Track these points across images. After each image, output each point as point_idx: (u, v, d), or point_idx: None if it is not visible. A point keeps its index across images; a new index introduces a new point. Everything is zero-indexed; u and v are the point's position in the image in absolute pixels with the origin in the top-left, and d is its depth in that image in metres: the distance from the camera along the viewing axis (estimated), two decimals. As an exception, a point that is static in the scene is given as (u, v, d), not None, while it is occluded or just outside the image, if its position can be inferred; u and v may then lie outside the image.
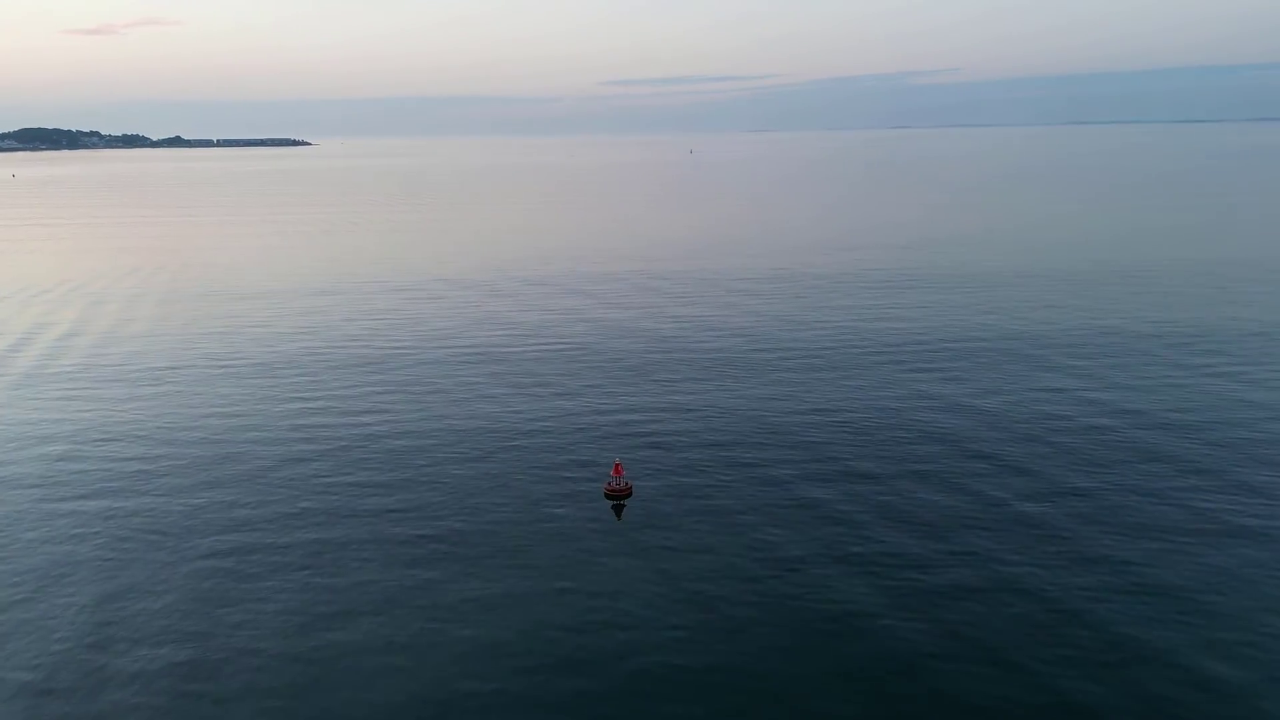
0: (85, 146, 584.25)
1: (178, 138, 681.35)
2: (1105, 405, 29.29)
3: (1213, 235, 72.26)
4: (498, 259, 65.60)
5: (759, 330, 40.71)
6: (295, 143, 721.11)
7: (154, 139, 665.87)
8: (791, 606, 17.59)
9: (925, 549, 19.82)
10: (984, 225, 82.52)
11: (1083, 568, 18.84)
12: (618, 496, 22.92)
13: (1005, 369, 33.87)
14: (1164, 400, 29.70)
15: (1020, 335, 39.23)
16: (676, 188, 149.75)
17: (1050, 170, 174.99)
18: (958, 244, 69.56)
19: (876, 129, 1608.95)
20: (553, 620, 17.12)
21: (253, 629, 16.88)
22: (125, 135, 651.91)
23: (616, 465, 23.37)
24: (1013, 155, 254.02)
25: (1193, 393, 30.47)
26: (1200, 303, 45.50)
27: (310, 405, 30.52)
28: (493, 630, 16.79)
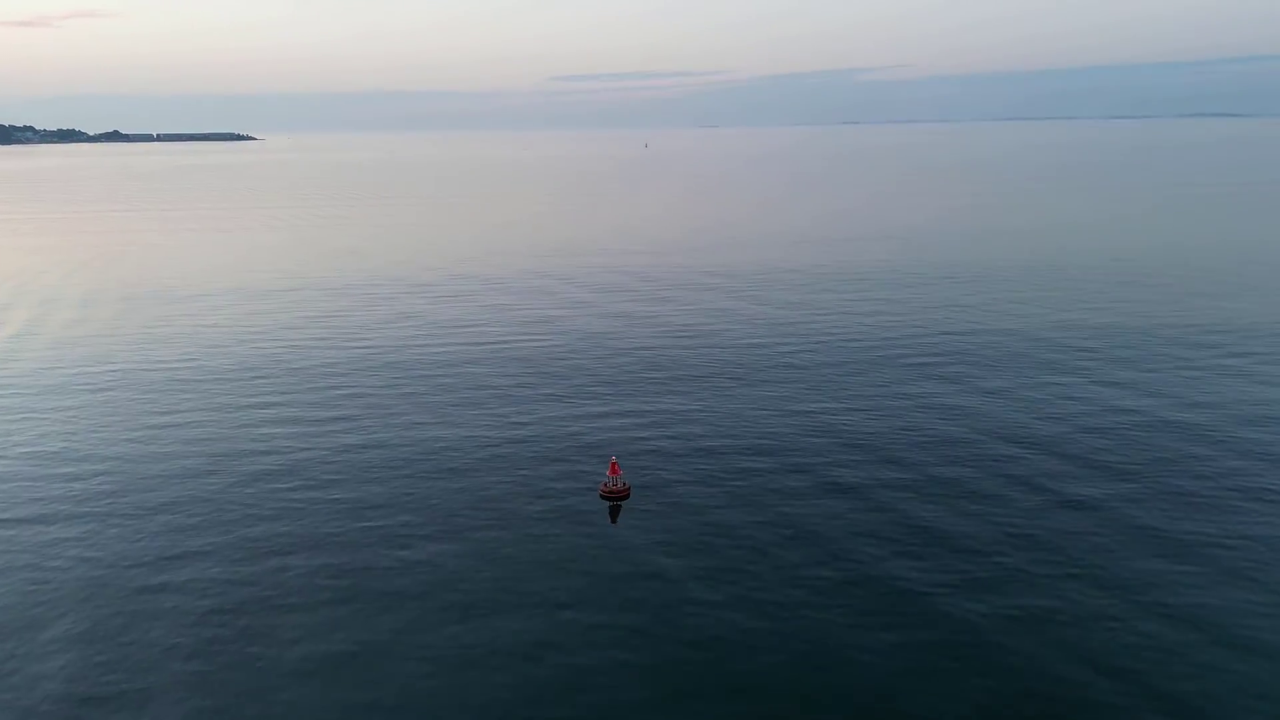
0: (19, 141, 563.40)
1: (115, 132, 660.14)
2: (1174, 399, 27.42)
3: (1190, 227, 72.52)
4: (468, 255, 62.72)
5: (763, 327, 38.25)
6: (240, 137, 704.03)
7: (91, 134, 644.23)
8: (839, 628, 15.63)
9: (975, 558, 18.13)
10: (973, 221, 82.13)
11: (1221, 583, 16.68)
12: (614, 498, 21.08)
13: (1027, 366, 32.40)
14: (1237, 395, 27.76)
15: (1034, 333, 37.93)
16: (647, 183, 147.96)
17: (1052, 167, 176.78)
18: (951, 239, 68.82)
19: (826, 125, 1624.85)
20: (560, 660, 14.83)
21: (209, 690, 14.03)
22: (61, 130, 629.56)
23: (613, 464, 21.48)
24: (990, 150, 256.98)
25: (1256, 384, 28.86)
26: (1205, 298, 44.94)
27: (269, 415, 27.58)
28: (492, 674, 14.46)
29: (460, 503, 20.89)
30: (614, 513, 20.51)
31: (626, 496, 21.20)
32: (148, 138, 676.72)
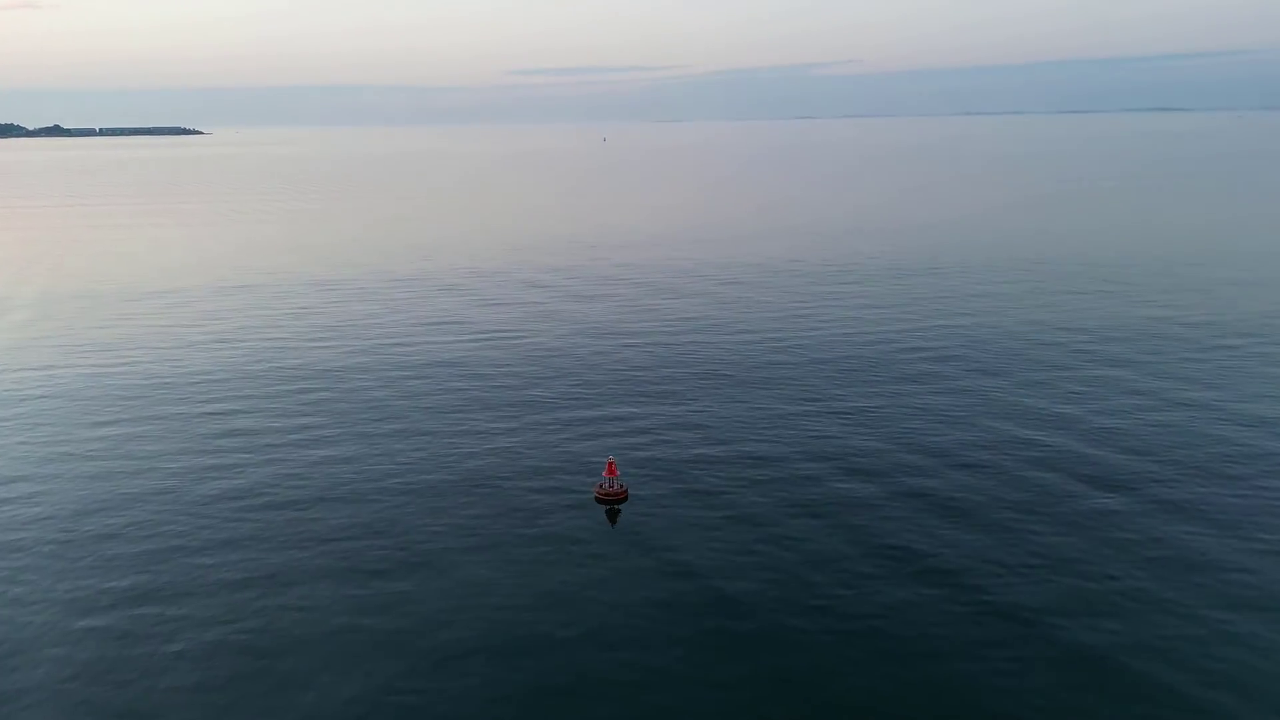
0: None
1: (56, 126, 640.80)
2: (1235, 392, 25.41)
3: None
4: (437, 249, 59.89)
5: (770, 323, 35.49)
6: (187, 131, 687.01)
7: (30, 128, 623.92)
8: (870, 643, 13.90)
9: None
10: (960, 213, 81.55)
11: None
12: (611, 501, 19.24)
13: (1064, 361, 30.89)
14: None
15: (1060, 324, 36.55)
16: (618, 176, 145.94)
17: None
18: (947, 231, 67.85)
19: (781, 119, 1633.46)
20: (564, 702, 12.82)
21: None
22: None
23: (609, 464, 19.60)
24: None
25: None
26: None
27: (228, 426, 24.78)
28: None
29: (443, 514, 18.84)
30: (612, 516, 18.69)
31: (624, 499, 19.39)
32: (90, 132, 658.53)
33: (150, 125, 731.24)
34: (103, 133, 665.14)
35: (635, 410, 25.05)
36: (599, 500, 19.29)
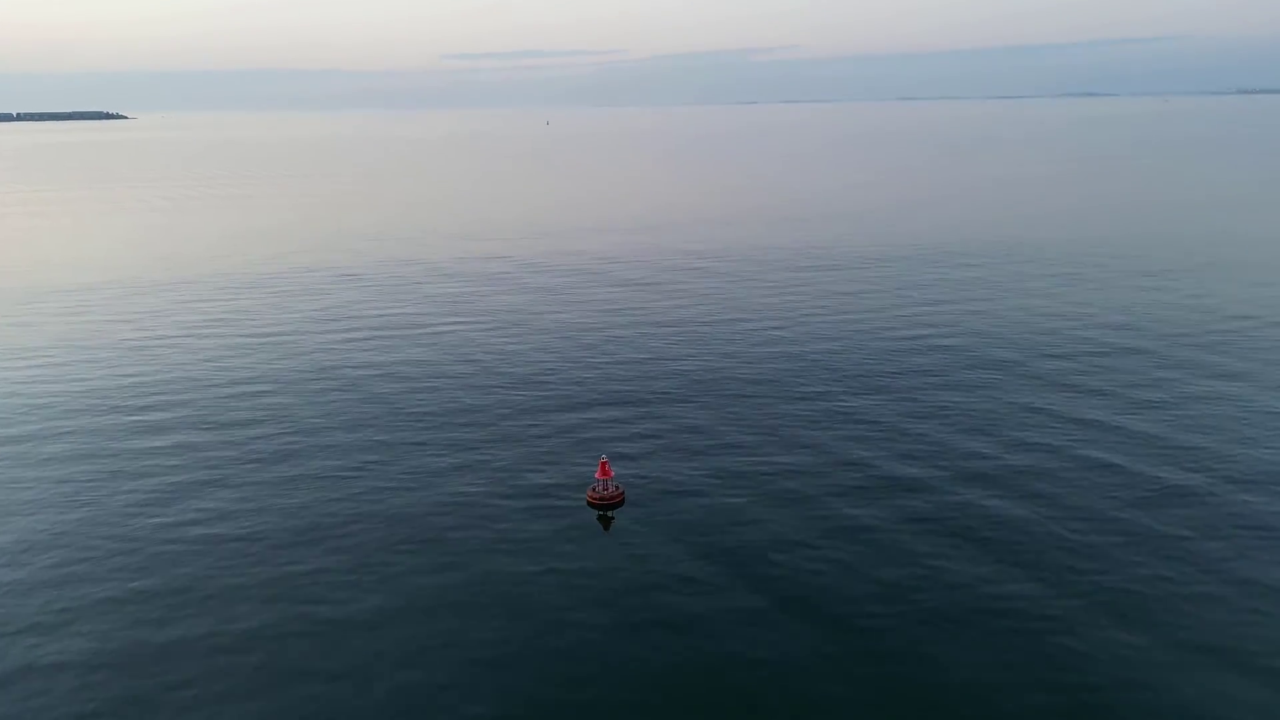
0: None
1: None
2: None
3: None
4: (396, 238, 56.21)
5: (777, 313, 32.06)
6: (111, 116, 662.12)
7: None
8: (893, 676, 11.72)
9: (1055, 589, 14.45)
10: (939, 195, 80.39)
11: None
12: (605, 505, 16.82)
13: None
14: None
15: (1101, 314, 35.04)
16: (602, 164, 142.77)
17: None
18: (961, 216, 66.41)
19: (725, 104, 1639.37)
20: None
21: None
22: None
23: (603, 464, 17.10)
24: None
25: None
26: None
27: (166, 442, 21.86)
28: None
29: (414, 536, 16.08)
30: (605, 523, 16.24)
31: (620, 503, 16.94)
32: (7, 117, 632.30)
33: (71, 110, 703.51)
34: (21, 117, 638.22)
35: (632, 410, 22.49)
36: (591, 504, 16.87)
